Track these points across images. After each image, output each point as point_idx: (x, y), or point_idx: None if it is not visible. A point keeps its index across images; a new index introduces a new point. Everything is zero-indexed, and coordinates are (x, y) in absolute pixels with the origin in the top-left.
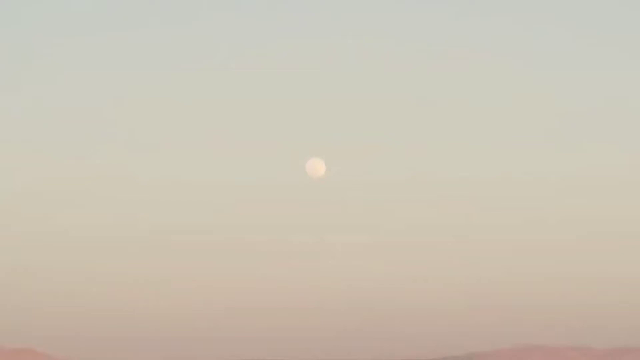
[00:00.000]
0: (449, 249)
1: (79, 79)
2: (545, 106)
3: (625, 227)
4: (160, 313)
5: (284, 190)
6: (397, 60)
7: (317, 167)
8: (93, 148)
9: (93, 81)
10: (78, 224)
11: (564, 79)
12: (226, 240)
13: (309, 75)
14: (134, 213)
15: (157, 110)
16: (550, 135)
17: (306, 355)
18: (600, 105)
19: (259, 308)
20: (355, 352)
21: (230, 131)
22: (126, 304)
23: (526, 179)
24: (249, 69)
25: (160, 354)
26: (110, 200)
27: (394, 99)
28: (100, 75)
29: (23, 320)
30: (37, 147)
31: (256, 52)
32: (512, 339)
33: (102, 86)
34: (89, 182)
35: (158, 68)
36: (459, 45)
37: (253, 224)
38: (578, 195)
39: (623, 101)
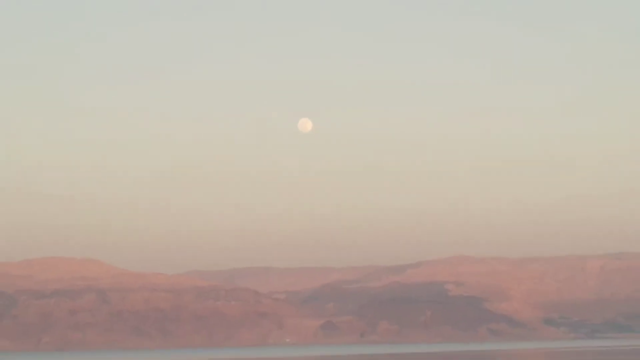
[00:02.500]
0: (401, 184)
1: None
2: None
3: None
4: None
5: (283, 140)
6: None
7: (306, 124)
8: None
9: None
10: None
11: None
12: (238, 171)
13: (304, 64)
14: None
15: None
16: None
17: (291, 262)
18: None
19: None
20: (328, 260)
21: (251, 102)
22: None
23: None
24: (259, 57)
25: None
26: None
27: (364, 75)
28: None
29: (90, 236)
30: None
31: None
32: (450, 251)
33: None
34: None
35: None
36: None
37: (261, 163)
38: None
39: None
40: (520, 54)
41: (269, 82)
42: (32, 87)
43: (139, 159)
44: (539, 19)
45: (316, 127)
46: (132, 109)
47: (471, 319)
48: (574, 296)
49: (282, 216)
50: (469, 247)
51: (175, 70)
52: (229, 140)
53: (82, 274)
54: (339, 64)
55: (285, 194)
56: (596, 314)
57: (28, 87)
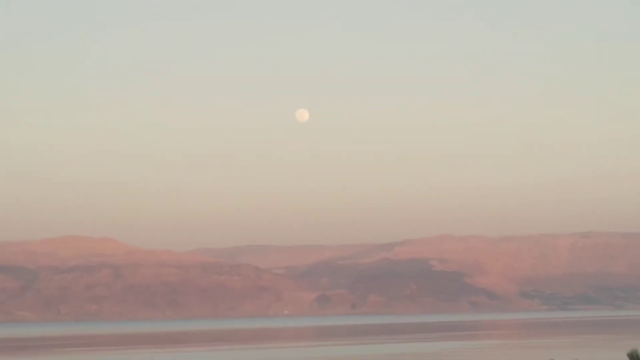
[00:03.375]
0: (389, 169)
1: None
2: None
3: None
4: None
5: (282, 128)
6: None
7: (303, 114)
8: None
9: None
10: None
11: None
12: (241, 157)
13: (302, 61)
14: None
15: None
16: None
17: (289, 240)
18: None
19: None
20: (322, 238)
21: (249, 92)
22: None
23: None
24: (258, 47)
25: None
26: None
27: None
28: None
29: (106, 216)
30: None
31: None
32: (434, 230)
33: None
34: None
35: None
36: None
37: (262, 150)
38: None
39: None
40: (500, 49)
41: (270, 77)
42: (61, 82)
43: (151, 147)
44: (517, 18)
45: (312, 117)
46: (147, 102)
47: (453, 292)
48: (546, 271)
49: (281, 199)
50: (451, 227)
51: (183, 66)
52: (233, 129)
53: (98, 251)
54: (333, 61)
55: (284, 178)
56: (567, 287)
57: (58, 83)
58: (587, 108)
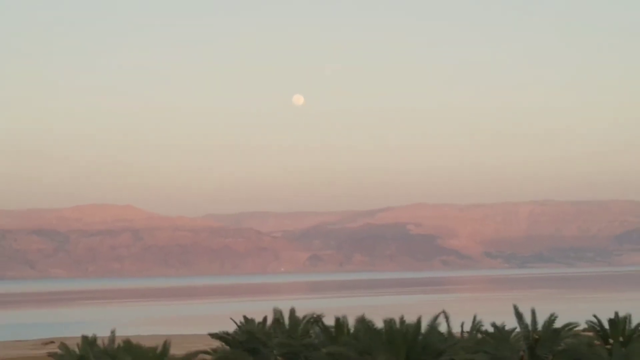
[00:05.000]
0: (372, 146)
1: None
2: None
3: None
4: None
5: (279, 112)
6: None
7: (299, 99)
8: None
9: None
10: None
11: None
12: (244, 135)
13: (296, 46)
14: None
15: None
16: None
17: (286, 207)
18: None
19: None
20: (315, 205)
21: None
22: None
23: None
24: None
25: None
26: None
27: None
28: None
29: (128, 187)
30: None
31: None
32: (411, 199)
33: None
34: None
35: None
36: None
37: (263, 128)
38: None
39: None
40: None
41: (270, 66)
42: (88, 69)
43: (165, 130)
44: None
45: (307, 101)
46: (161, 91)
47: (427, 253)
48: (508, 234)
49: (278, 171)
50: (426, 196)
51: (190, 58)
52: (239, 112)
53: (120, 217)
54: (327, 51)
55: (281, 154)
56: (525, 248)
57: (85, 70)
58: (555, 93)
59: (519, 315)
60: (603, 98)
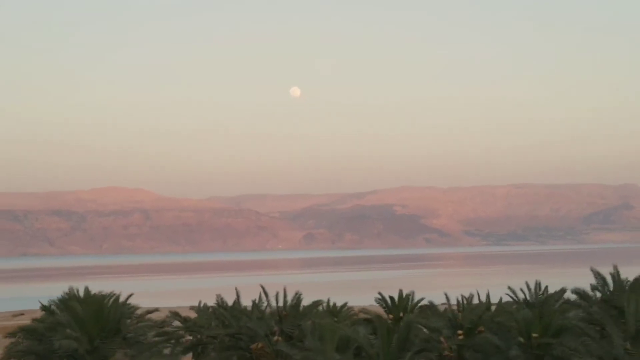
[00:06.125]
0: (361, 134)
1: None
2: None
3: None
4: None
5: (278, 103)
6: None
7: (296, 91)
8: None
9: None
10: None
11: None
12: (246, 125)
13: (294, 41)
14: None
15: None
16: None
17: (283, 189)
18: None
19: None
20: (309, 188)
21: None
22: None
23: None
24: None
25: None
26: None
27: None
28: None
29: (139, 171)
30: None
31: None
32: (397, 182)
33: None
34: None
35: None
36: None
37: (262, 118)
38: None
39: None
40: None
41: (269, 60)
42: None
43: (176, 118)
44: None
45: (304, 93)
46: (171, 85)
47: (411, 231)
48: (486, 215)
49: (277, 158)
50: (411, 179)
51: (194, 54)
52: (241, 104)
53: (132, 199)
54: (322, 45)
55: (279, 142)
56: (502, 227)
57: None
58: (533, 86)
59: None
60: (578, 91)
